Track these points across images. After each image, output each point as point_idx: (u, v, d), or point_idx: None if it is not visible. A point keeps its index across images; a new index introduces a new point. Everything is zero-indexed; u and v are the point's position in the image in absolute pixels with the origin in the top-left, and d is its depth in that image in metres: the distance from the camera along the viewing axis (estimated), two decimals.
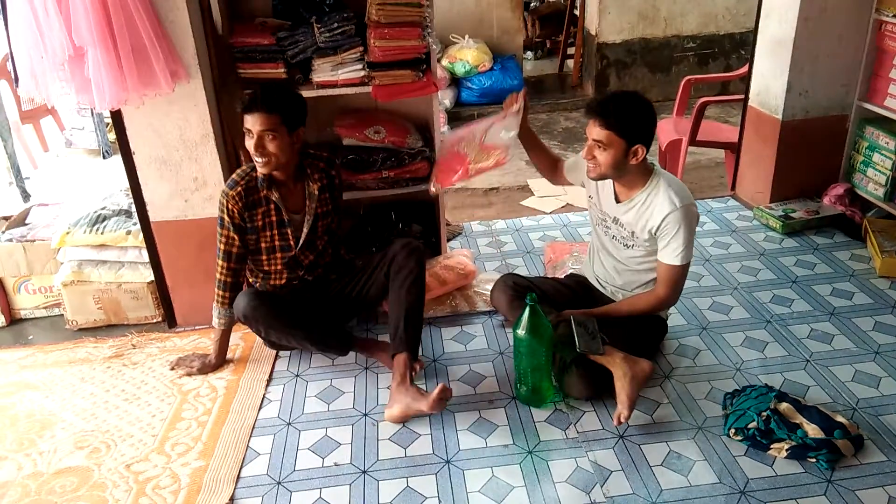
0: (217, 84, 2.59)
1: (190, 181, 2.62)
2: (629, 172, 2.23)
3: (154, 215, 2.67)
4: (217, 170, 2.60)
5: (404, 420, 2.24)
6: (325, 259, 2.59)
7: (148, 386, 2.52)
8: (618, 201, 2.33)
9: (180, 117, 2.52)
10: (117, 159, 2.75)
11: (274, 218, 2.42)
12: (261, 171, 2.32)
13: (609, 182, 2.34)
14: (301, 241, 2.46)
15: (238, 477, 2.08)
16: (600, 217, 2.42)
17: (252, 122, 2.23)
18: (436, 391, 2.16)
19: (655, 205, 2.23)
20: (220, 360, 2.58)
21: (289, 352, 2.63)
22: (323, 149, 2.57)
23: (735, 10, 6.11)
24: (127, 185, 2.66)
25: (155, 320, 2.89)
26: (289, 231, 2.44)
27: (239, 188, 2.36)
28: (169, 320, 2.85)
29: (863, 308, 2.72)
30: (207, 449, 2.20)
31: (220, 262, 2.44)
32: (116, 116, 2.51)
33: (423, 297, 2.44)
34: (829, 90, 3.33)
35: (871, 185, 3.29)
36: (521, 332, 2.19)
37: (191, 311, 2.83)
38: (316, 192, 2.44)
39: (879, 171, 3.23)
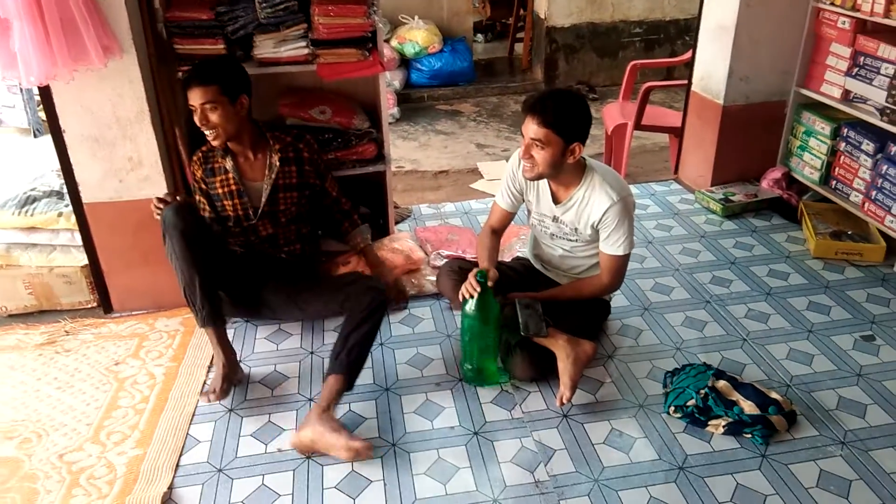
0: (154, 60, 2.49)
1: (125, 161, 2.52)
2: (565, 171, 2.22)
3: (87, 196, 2.56)
4: (153, 149, 2.51)
5: (309, 451, 2.05)
6: (289, 237, 2.58)
7: (82, 373, 2.43)
8: (556, 202, 2.33)
9: (114, 94, 2.42)
10: (49, 138, 2.64)
11: (233, 187, 2.45)
12: (213, 143, 2.35)
13: (545, 184, 2.33)
14: (259, 211, 2.47)
15: (177, 465, 2.03)
16: (539, 219, 2.42)
17: (192, 98, 2.25)
18: (360, 443, 1.97)
19: (594, 200, 2.23)
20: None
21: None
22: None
23: None
24: (58, 164, 2.55)
25: (90, 305, 2.78)
26: (246, 201, 2.46)
27: (200, 153, 2.48)
28: (104, 305, 2.75)
29: (797, 288, 2.82)
30: (145, 437, 2.13)
31: None
32: (45, 93, 2.38)
33: (375, 334, 2.31)
34: (768, 76, 3.41)
35: (808, 170, 3.40)
36: (469, 310, 2.18)
37: (127, 296, 2.74)
38: (277, 164, 2.45)
39: (815, 156, 3.33)
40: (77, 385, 2.37)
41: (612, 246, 2.26)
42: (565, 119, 2.10)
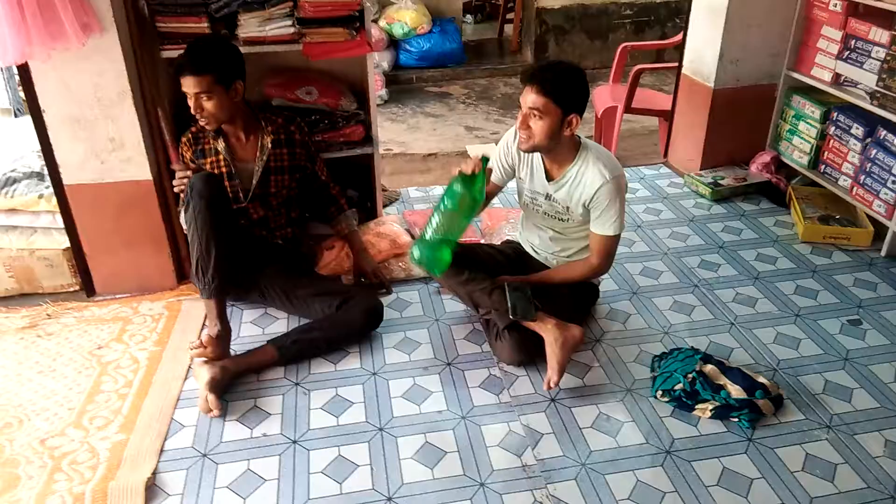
0: (135, 38, 2.43)
1: (106, 141, 2.46)
2: (561, 145, 2.21)
3: (68, 178, 2.51)
4: (136, 130, 2.46)
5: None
6: (279, 220, 2.58)
7: (64, 357, 2.39)
8: (549, 179, 2.31)
9: (95, 73, 2.36)
10: (29, 118, 2.59)
11: (224, 169, 2.44)
12: (206, 128, 2.38)
13: (539, 160, 2.32)
14: (251, 193, 2.46)
15: (161, 450, 2.01)
16: (531, 196, 2.40)
17: (186, 85, 2.24)
18: (212, 403, 2.09)
19: (587, 178, 2.22)
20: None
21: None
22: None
23: None
24: (38, 145, 2.49)
25: (72, 289, 2.74)
26: (237, 183, 2.45)
27: (189, 133, 2.47)
28: (87, 289, 2.71)
29: (785, 272, 2.82)
30: (128, 422, 2.11)
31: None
32: (24, 72, 2.33)
33: (338, 348, 2.38)
34: (759, 59, 3.39)
35: (797, 154, 3.39)
36: (457, 189, 2.09)
37: (111, 279, 2.70)
38: (269, 145, 2.44)
39: (805, 140, 3.32)
40: (59, 369, 2.34)
41: (602, 226, 2.25)
42: (565, 89, 2.08)
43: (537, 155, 2.32)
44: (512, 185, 3.58)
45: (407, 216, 3.18)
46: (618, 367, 2.31)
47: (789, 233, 3.12)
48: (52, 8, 2.09)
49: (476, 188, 2.10)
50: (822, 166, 3.25)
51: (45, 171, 2.56)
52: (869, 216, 3.00)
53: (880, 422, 2.06)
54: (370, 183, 3.07)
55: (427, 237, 2.14)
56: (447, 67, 6.06)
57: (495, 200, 3.41)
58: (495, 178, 2.42)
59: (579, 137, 2.27)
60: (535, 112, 2.10)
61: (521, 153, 2.35)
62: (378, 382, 2.25)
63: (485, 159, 2.09)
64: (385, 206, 3.30)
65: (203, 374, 2.15)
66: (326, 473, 1.92)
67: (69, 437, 2.06)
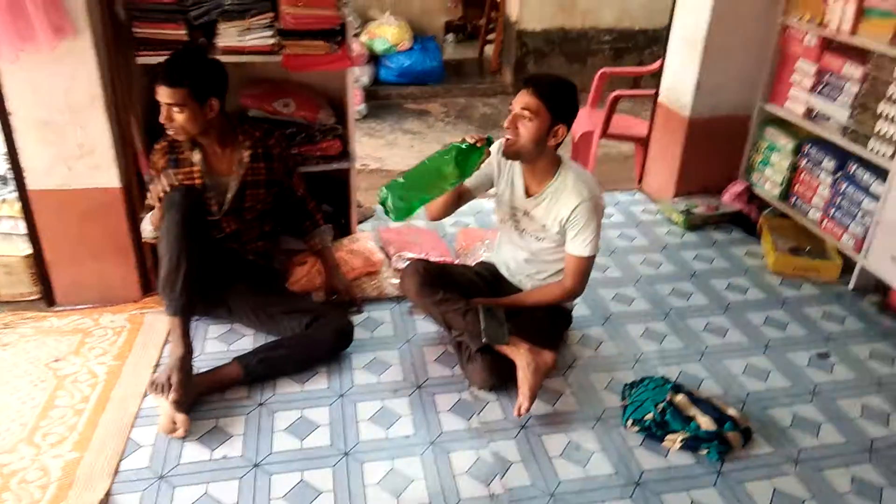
0: (110, 43, 2.37)
1: (75, 147, 2.40)
2: (543, 156, 2.22)
3: (33, 183, 2.44)
4: (105, 136, 2.39)
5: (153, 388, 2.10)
6: (252, 234, 2.52)
7: (19, 370, 2.30)
8: (528, 195, 2.31)
9: (66, 76, 2.30)
10: None
11: (198, 181, 2.37)
12: (176, 138, 2.32)
13: (518, 174, 2.32)
14: (225, 207, 2.40)
15: (116, 470, 1.93)
16: (510, 213, 2.39)
17: (159, 94, 2.19)
18: (180, 423, 2.02)
19: (565, 196, 2.23)
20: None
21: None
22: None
23: (650, 6, 6.25)
24: (4, 148, 2.42)
25: (31, 298, 2.65)
26: (211, 196, 2.39)
27: (164, 142, 2.38)
28: (47, 298, 2.62)
29: (755, 303, 2.84)
30: (83, 440, 2.02)
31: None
32: None
33: (305, 369, 2.33)
34: (734, 90, 3.44)
35: (769, 185, 3.43)
36: (451, 152, 2.08)
37: (72, 289, 2.61)
38: (246, 159, 2.39)
39: (776, 171, 3.37)
40: (13, 382, 2.25)
41: (577, 246, 2.25)
42: (558, 98, 2.14)
43: (517, 168, 2.32)
44: (488, 205, 3.59)
45: (382, 234, 3.15)
46: (589, 394, 2.29)
47: (760, 263, 3.14)
48: (22, 7, 2.04)
49: (468, 163, 2.10)
50: (794, 198, 3.30)
51: (10, 175, 2.48)
52: (838, 249, 3.04)
53: (847, 458, 2.07)
54: (345, 198, 3.03)
55: (400, 181, 2.10)
56: (427, 85, 6.07)
57: (471, 220, 3.42)
58: (470, 181, 2.37)
59: (560, 156, 2.28)
60: (526, 112, 2.12)
61: (502, 165, 2.36)
62: (345, 404, 2.20)
63: (489, 139, 2.11)
64: (360, 222, 3.26)
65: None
66: (288, 499, 1.86)
67: (19, 454, 1.97)
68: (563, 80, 2.20)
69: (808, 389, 2.34)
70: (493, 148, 2.32)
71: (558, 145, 2.24)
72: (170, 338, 2.21)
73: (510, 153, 2.21)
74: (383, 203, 2.09)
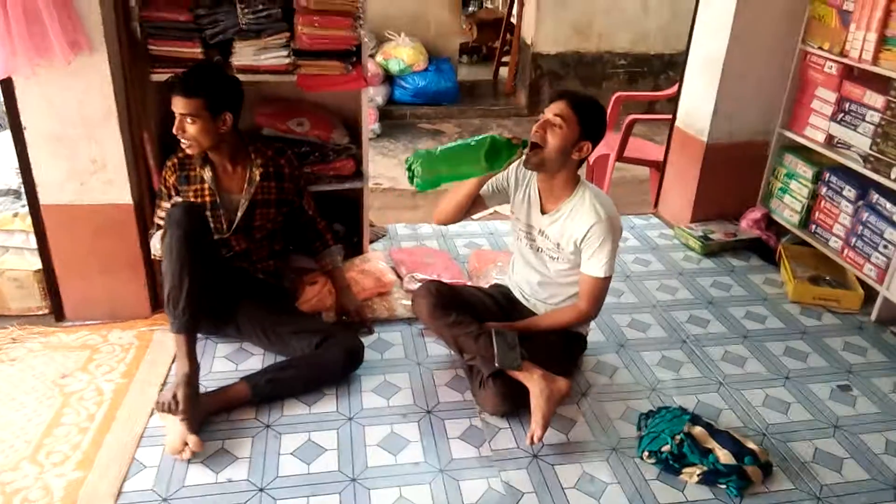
0: (126, 59, 2.37)
1: (88, 163, 2.39)
2: (563, 172, 2.20)
3: (45, 198, 2.43)
4: (119, 152, 2.39)
5: (160, 407, 2.04)
6: (261, 253, 2.50)
7: (26, 385, 2.27)
8: (543, 213, 2.28)
9: (81, 92, 2.30)
10: (8, 134, 2.52)
11: (208, 199, 2.37)
12: (187, 151, 2.29)
13: (535, 191, 2.30)
14: (234, 225, 2.38)
15: (119, 492, 1.89)
16: (525, 231, 2.36)
17: (174, 105, 2.20)
18: (191, 444, 1.97)
19: (581, 215, 2.20)
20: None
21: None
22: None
23: (666, 31, 6.25)
24: (17, 163, 2.41)
25: (41, 312, 2.63)
26: (221, 214, 2.37)
27: (175, 158, 2.38)
28: (56, 313, 2.60)
29: (774, 332, 2.77)
30: (87, 459, 1.99)
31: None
32: (6, 86, 2.26)
33: (315, 389, 2.30)
34: (753, 116, 3.40)
35: (787, 212, 3.38)
36: (488, 141, 2.04)
37: (82, 305, 2.59)
38: (257, 178, 2.38)
39: (796, 199, 3.32)
40: (19, 398, 2.22)
41: (593, 267, 2.21)
42: (591, 115, 2.16)
43: (534, 185, 2.30)
44: (501, 227, 3.56)
45: (393, 254, 3.12)
46: (603, 423, 2.23)
47: (779, 291, 3.08)
48: (40, 22, 2.04)
49: (499, 158, 2.06)
50: (813, 226, 3.24)
51: (22, 189, 2.47)
52: (859, 279, 2.97)
53: (871, 495, 2.00)
54: (358, 218, 3.01)
55: (433, 152, 2.07)
56: (441, 105, 6.08)
57: (484, 242, 3.38)
58: (484, 190, 2.35)
59: (580, 177, 2.26)
60: (558, 120, 2.12)
61: (520, 180, 2.34)
62: (354, 428, 2.15)
63: (525, 141, 2.10)
64: (371, 241, 3.23)
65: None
66: None
67: (23, 473, 1.94)
68: (597, 103, 2.22)
69: (829, 423, 2.27)
70: (515, 164, 2.30)
71: (581, 163, 2.22)
72: (176, 356, 2.17)
73: (534, 161, 2.17)
74: (410, 167, 2.05)
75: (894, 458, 2.14)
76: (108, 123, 2.35)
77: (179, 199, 2.30)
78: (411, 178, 2.05)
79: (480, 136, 2.08)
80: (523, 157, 2.13)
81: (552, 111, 2.15)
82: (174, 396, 2.03)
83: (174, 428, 2.01)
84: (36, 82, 2.23)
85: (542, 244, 2.34)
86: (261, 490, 1.91)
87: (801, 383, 2.46)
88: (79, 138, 2.35)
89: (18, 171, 2.47)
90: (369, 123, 2.88)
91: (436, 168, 2.05)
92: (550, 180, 2.25)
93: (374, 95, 5.68)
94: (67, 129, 2.33)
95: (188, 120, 2.19)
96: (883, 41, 2.75)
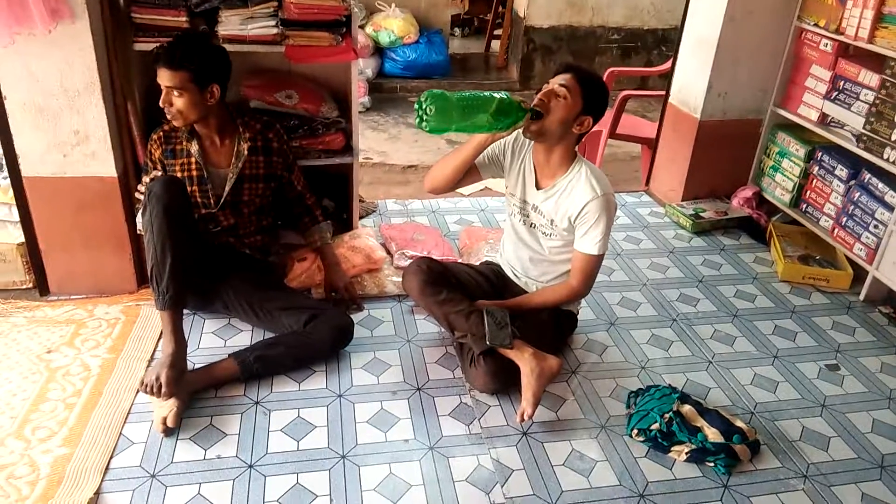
0: (109, 28, 2.31)
1: (70, 134, 2.33)
2: (561, 145, 2.18)
3: (27, 170, 2.37)
4: (102, 123, 2.33)
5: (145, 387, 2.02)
6: (249, 228, 2.46)
7: (10, 360, 2.24)
8: (538, 188, 2.26)
9: (62, 61, 2.23)
10: None
11: (195, 173, 2.33)
12: (173, 124, 2.25)
13: (530, 165, 2.28)
14: (222, 200, 2.34)
15: (107, 468, 1.87)
16: (519, 206, 2.34)
17: (160, 76, 2.14)
18: (169, 421, 1.97)
19: (576, 191, 2.18)
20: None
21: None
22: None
23: (660, 5, 6.18)
24: None
25: (25, 286, 2.59)
26: (208, 188, 2.34)
27: (161, 132, 2.34)
28: (40, 287, 2.56)
29: (764, 311, 2.78)
30: (74, 435, 1.97)
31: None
32: None
33: (304, 366, 2.28)
34: (746, 93, 3.38)
35: (779, 191, 3.37)
36: (500, 97, 2.00)
37: (67, 279, 2.55)
38: (245, 152, 2.34)
39: (787, 177, 3.31)
40: (3, 373, 2.19)
41: (587, 244, 2.20)
42: (595, 89, 2.14)
43: (529, 159, 2.28)
44: (492, 203, 3.54)
45: (384, 230, 3.09)
46: (593, 401, 2.24)
47: (768, 270, 3.09)
48: None
49: (505, 119, 2.02)
50: (804, 205, 3.24)
51: (3, 161, 2.42)
52: (849, 259, 2.98)
53: (857, 473, 2.02)
54: (347, 193, 2.97)
55: (449, 96, 1.98)
56: (432, 79, 5.99)
57: (475, 219, 3.36)
58: (479, 159, 2.32)
59: (577, 153, 2.23)
60: (563, 90, 2.10)
61: (516, 153, 2.32)
62: (343, 405, 2.14)
63: (532, 109, 2.06)
64: (361, 217, 3.20)
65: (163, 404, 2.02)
66: (283, 502, 1.80)
67: (9, 449, 1.92)
68: (601, 80, 2.20)
69: (817, 402, 2.29)
70: (510, 137, 2.26)
71: (580, 137, 2.20)
72: (162, 332, 2.15)
73: (533, 129, 2.13)
74: (420, 106, 1.96)
75: (880, 437, 2.16)
76: (91, 94, 2.29)
77: (158, 174, 2.24)
78: (420, 119, 1.97)
79: (491, 93, 2.02)
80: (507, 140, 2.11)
81: (557, 81, 2.12)
82: (157, 378, 2.01)
83: (160, 405, 2.00)
84: (15, 51, 2.17)
85: (535, 220, 2.32)
86: (250, 466, 1.90)
87: (790, 362, 2.47)
88: (60, 109, 2.29)
89: None
90: (359, 97, 2.82)
91: (449, 113, 1.96)
92: (547, 154, 2.22)
93: (363, 68, 5.59)
94: (49, 99, 2.27)
95: (175, 93, 2.14)
96: (880, 18, 2.72)
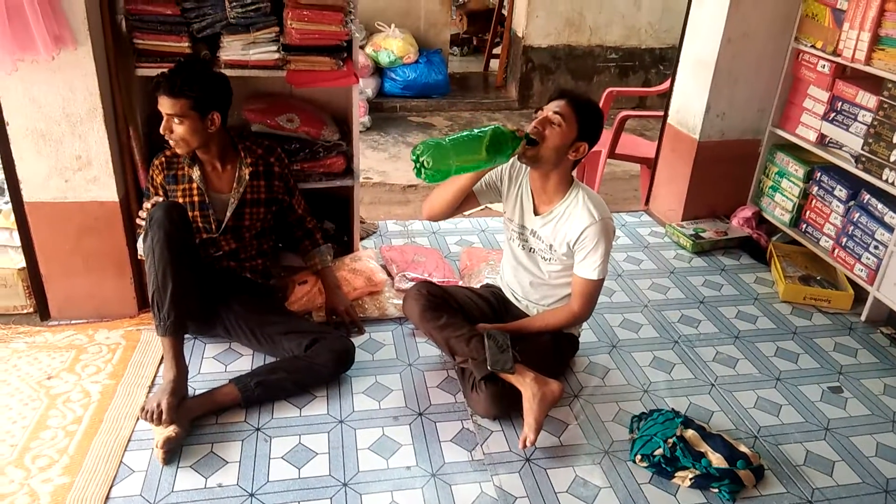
0: (111, 54, 2.32)
1: (72, 159, 2.34)
2: (557, 171, 2.18)
3: (29, 195, 2.38)
4: (104, 149, 2.34)
5: (146, 414, 2.00)
6: (250, 252, 2.46)
7: (10, 387, 2.23)
8: (536, 214, 2.26)
9: (65, 87, 2.24)
10: None
11: (196, 198, 2.33)
12: (177, 151, 2.27)
13: (527, 191, 2.28)
14: (223, 225, 2.34)
15: (107, 497, 1.86)
16: (518, 231, 2.34)
17: (161, 104, 2.16)
18: (164, 449, 1.94)
19: (574, 217, 2.18)
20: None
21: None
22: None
23: (658, 25, 6.22)
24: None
25: (25, 311, 2.59)
26: (210, 214, 2.34)
27: (162, 157, 2.35)
28: (41, 312, 2.55)
29: (766, 333, 2.77)
30: (74, 463, 1.95)
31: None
32: None
33: (305, 391, 2.26)
34: (745, 114, 3.39)
35: (778, 211, 3.38)
36: (491, 131, 1.99)
37: (67, 303, 2.55)
38: (247, 177, 2.34)
39: (787, 198, 3.32)
40: (3, 400, 2.18)
41: (587, 269, 2.20)
42: (590, 116, 2.14)
43: (526, 184, 2.28)
44: (492, 224, 3.54)
45: (384, 252, 3.08)
46: (595, 426, 2.23)
47: (769, 291, 3.08)
48: (22, 16, 1.99)
49: (501, 150, 2.01)
50: (804, 225, 3.24)
51: (5, 186, 2.42)
52: (849, 279, 2.98)
53: (862, 499, 2.00)
54: (348, 215, 2.97)
55: (442, 142, 1.97)
56: (431, 98, 6.03)
57: (475, 240, 3.36)
58: (477, 186, 2.31)
59: (573, 178, 2.24)
60: (557, 118, 2.10)
61: (513, 178, 2.32)
62: (345, 431, 2.13)
63: (527, 136, 2.06)
64: (362, 238, 3.20)
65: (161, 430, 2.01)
66: None
67: (9, 478, 1.91)
68: (596, 106, 2.20)
69: (821, 425, 2.28)
70: (507, 163, 2.27)
71: (575, 163, 2.20)
72: (163, 358, 2.14)
73: (529, 155, 2.13)
74: (416, 159, 1.95)
75: (885, 461, 2.15)
76: (93, 119, 2.30)
77: (159, 199, 2.25)
78: (418, 171, 1.96)
79: (484, 126, 2.04)
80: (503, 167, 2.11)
81: (552, 108, 2.13)
82: (158, 405, 2.00)
83: (161, 433, 1.98)
84: (18, 77, 2.18)
85: (534, 245, 2.32)
86: (251, 495, 1.89)
87: (793, 385, 2.47)
88: (63, 135, 2.30)
89: (1, 167, 2.41)
90: (359, 116, 2.84)
91: (446, 159, 1.95)
92: (544, 180, 2.22)
93: (363, 88, 5.62)
94: (51, 125, 2.28)
95: (175, 120, 2.16)
96: (876, 41, 2.74)
